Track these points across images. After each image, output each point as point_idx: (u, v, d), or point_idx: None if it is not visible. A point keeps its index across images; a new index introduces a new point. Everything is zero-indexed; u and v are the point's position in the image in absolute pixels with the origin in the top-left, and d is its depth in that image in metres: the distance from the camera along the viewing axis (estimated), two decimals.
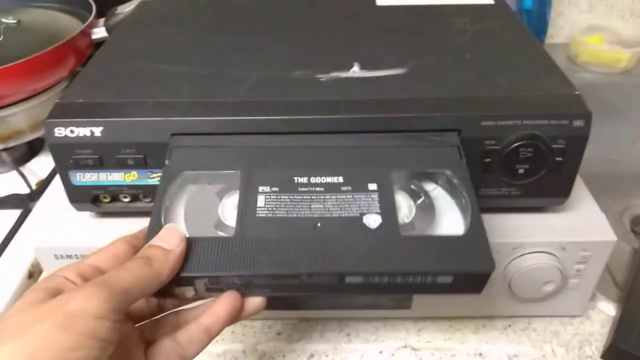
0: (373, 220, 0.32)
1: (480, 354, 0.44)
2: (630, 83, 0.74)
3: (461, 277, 0.30)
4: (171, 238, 0.30)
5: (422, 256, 0.30)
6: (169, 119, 0.37)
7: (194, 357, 0.30)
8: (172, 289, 0.30)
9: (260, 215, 0.32)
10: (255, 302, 0.32)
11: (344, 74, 0.41)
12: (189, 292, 0.31)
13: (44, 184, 0.61)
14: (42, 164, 0.66)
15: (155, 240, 0.30)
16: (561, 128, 0.36)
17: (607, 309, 0.46)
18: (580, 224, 0.41)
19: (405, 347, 0.44)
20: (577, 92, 0.38)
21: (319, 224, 0.31)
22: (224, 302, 0.31)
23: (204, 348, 0.31)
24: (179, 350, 0.30)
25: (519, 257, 0.41)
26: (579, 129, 0.36)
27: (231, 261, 0.30)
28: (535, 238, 0.41)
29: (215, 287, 0.30)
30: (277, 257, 0.30)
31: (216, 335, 0.31)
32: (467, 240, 0.31)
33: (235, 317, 0.31)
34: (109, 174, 0.39)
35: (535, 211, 0.42)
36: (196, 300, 0.33)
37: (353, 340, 0.45)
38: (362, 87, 0.40)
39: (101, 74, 0.43)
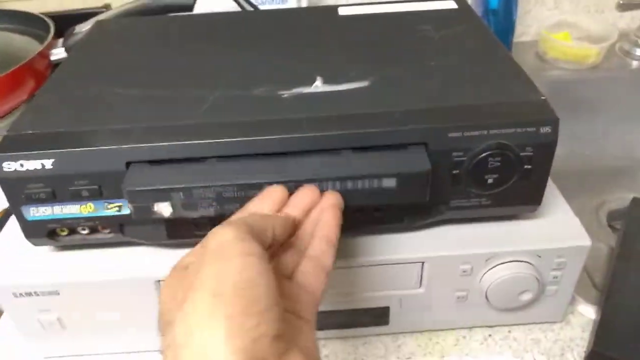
0: None
1: None
2: (599, 78, 0.74)
3: (402, 178, 0.34)
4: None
5: (369, 164, 0.35)
6: (122, 147, 0.35)
7: (333, 261, 0.33)
8: (152, 207, 0.34)
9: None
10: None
11: (306, 90, 0.40)
12: (167, 208, 0.34)
13: (6, 215, 0.59)
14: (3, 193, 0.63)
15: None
16: (528, 135, 0.36)
17: (587, 313, 0.46)
18: (554, 229, 0.41)
19: None
20: (543, 98, 0.37)
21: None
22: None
23: (334, 251, 0.33)
24: (318, 264, 0.32)
25: (493, 267, 0.40)
26: (546, 136, 0.36)
27: (205, 177, 0.34)
28: (509, 247, 0.40)
29: (190, 203, 0.34)
30: (243, 173, 0.34)
31: (336, 237, 0.33)
32: (408, 151, 0.36)
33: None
34: (63, 206, 0.37)
35: (508, 219, 0.41)
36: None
37: None
38: (325, 103, 0.38)
39: (53, 101, 0.41)
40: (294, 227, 0.33)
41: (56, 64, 0.64)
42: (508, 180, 0.37)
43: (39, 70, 0.64)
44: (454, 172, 0.36)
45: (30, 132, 0.37)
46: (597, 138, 0.76)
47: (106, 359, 0.45)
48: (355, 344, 0.45)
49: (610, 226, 0.64)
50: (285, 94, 0.40)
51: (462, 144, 0.36)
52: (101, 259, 0.40)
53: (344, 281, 0.41)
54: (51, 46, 0.65)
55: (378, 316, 0.43)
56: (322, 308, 0.42)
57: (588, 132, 0.75)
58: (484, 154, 0.36)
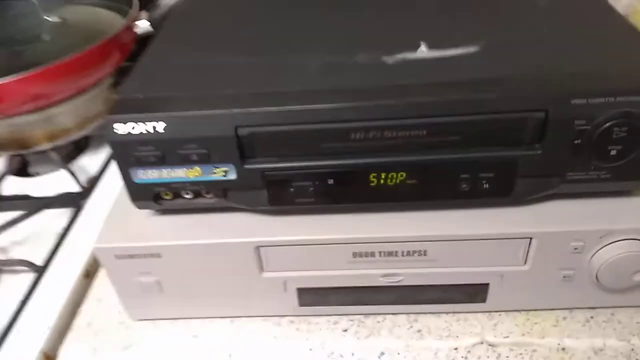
0: None
1: (563, 349, 0.41)
2: None
3: None
4: None
5: None
6: (232, 111, 0.35)
7: None
8: None
9: None
10: None
11: (411, 55, 0.39)
12: None
13: (94, 182, 0.61)
14: (89, 162, 0.65)
15: None
16: None
17: None
18: None
19: (482, 343, 0.42)
20: None
21: None
22: None
23: None
24: None
25: (606, 245, 0.38)
26: None
27: None
28: (624, 224, 0.37)
29: None
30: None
31: None
32: None
33: None
34: (171, 170, 0.37)
35: (622, 195, 0.39)
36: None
37: (425, 336, 0.43)
38: (432, 69, 0.37)
39: (158, 67, 0.41)
40: None
41: (141, 37, 0.65)
42: (632, 153, 0.35)
43: (125, 44, 0.65)
44: (575, 142, 0.34)
45: (140, 96, 0.37)
46: None
47: (199, 323, 0.45)
48: (449, 321, 0.44)
49: None
50: (390, 60, 0.38)
51: (586, 112, 0.33)
52: (201, 223, 0.41)
53: (443, 255, 0.40)
54: (135, 19, 0.66)
55: (476, 293, 0.42)
56: (415, 282, 0.42)
57: None
58: (609, 123, 0.33)
